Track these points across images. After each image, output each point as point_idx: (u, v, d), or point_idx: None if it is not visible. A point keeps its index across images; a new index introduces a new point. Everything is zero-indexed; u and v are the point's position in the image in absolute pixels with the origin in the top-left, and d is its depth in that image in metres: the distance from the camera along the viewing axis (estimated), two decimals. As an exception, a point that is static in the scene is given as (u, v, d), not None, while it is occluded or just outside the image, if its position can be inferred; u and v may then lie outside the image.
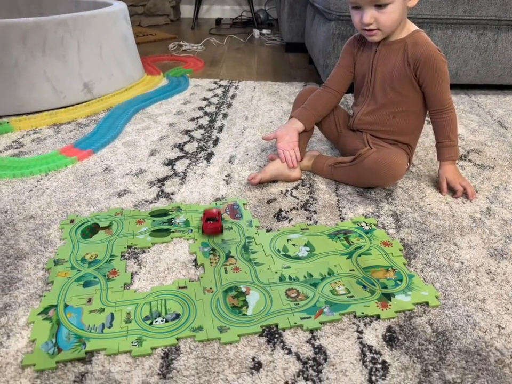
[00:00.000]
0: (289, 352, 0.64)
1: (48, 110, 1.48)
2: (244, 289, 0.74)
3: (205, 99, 1.64)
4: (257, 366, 0.62)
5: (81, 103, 1.55)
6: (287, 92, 1.72)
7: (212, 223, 0.87)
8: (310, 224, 0.92)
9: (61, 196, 1.01)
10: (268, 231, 0.90)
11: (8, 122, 1.36)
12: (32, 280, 0.76)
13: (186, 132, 1.36)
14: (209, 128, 1.39)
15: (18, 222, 0.92)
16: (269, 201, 1.00)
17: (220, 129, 1.38)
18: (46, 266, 0.79)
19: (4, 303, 0.72)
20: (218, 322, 0.68)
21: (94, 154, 1.21)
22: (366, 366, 0.62)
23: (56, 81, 1.49)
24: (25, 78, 1.43)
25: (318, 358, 0.63)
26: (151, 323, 0.68)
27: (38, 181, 1.08)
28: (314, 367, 0.61)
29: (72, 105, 1.53)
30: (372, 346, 0.65)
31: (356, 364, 0.62)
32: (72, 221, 0.92)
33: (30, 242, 0.86)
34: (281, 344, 0.65)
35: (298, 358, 0.63)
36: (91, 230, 0.90)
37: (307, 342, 0.66)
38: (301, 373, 0.61)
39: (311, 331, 0.67)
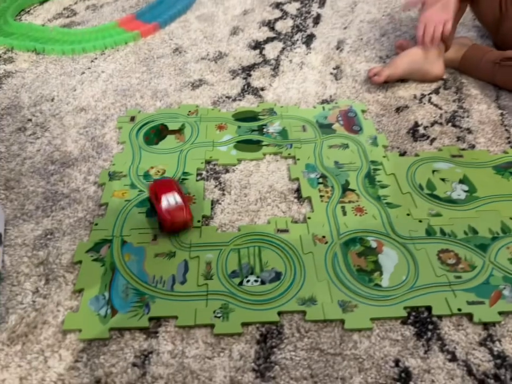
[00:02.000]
0: (453, 358, 0.41)
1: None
2: (373, 244, 0.50)
3: (299, -38, 1.25)
4: (405, 376, 0.40)
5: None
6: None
7: (172, 212, 0.50)
8: (464, 149, 0.63)
9: (119, 83, 0.78)
10: (401, 154, 0.63)
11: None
12: (81, 198, 0.57)
13: (277, 5, 1.03)
14: (307, 1, 1.05)
15: (66, 114, 0.71)
16: (398, 109, 0.71)
17: (322, 2, 1.04)
18: (99, 180, 0.59)
19: (44, 228, 0.53)
20: (338, 293, 0.46)
21: (160, 29, 0.94)
22: None
23: None
24: None
25: (501, 375, 0.40)
26: (241, 283, 0.47)
27: (92, 60, 0.84)
28: (498, 393, 0.39)
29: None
30: None
31: None
32: (132, 119, 0.70)
33: (79, 144, 0.65)
34: (439, 342, 0.42)
35: (469, 371, 0.40)
36: (157, 133, 0.67)
37: (480, 344, 0.42)
38: (476, 400, 0.38)
39: (485, 325, 0.43)
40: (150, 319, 0.44)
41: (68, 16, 1.00)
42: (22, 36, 0.90)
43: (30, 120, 0.70)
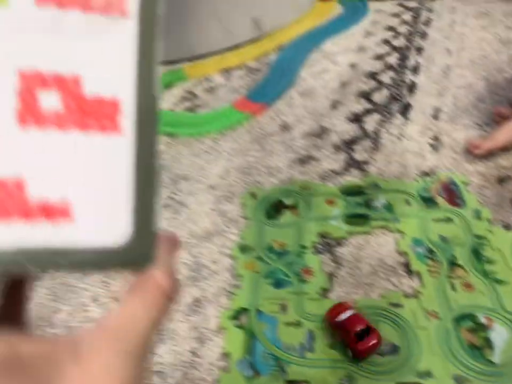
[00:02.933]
0: None
1: (216, 52, 1.38)
2: (483, 320, 0.55)
3: (390, 29, 1.34)
4: None
5: (249, 40, 1.41)
6: (501, 12, 1.31)
7: (366, 340, 0.53)
8: None
9: (238, 161, 0.91)
10: (505, 228, 0.67)
11: (181, 70, 1.30)
12: (219, 269, 0.69)
13: (372, 76, 1.12)
14: (400, 69, 1.12)
15: (199, 192, 0.85)
16: (500, 180, 0.75)
17: (415, 69, 1.11)
18: (232, 253, 0.71)
19: (193, 297, 0.65)
20: (453, 368, 0.51)
21: (268, 107, 1.07)
22: None
23: (224, 18, 1.36)
24: (195, 18, 1.33)
25: None
26: (362, 353, 0.54)
27: (214, 141, 0.99)
28: None
29: (240, 45, 1.40)
30: None
31: None
32: (253, 195, 0.81)
33: (212, 219, 0.78)
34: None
35: None
36: (275, 208, 0.78)
37: None
38: None
39: None
40: (287, 382, 0.53)
41: (190, 99, 1.18)
42: (156, 121, 1.09)
43: (172, 198, 0.85)
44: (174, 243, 0.23)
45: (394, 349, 0.54)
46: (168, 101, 1.18)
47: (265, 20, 1.43)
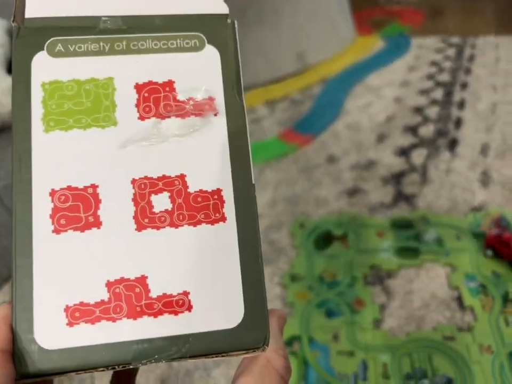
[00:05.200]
0: None
1: (260, 84, 1.45)
2: (540, 358, 0.55)
3: (434, 64, 1.37)
4: None
5: (293, 73, 1.47)
6: (547, 48, 1.32)
7: None
8: None
9: (286, 192, 0.95)
10: (560, 266, 0.66)
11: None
12: (269, 298, 0.71)
13: (417, 110, 1.15)
14: (446, 105, 1.14)
15: (248, 220, 0.89)
16: (553, 218, 0.75)
17: (461, 105, 1.12)
18: (282, 281, 0.73)
19: (246, 322, 0.68)
20: (510, 405, 0.51)
21: (314, 139, 1.11)
22: None
23: (269, 54, 1.43)
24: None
25: None
26: (416, 386, 0.55)
27: (260, 171, 1.03)
28: None
29: (284, 77, 1.45)
30: None
31: None
32: (302, 225, 0.84)
33: (263, 249, 0.81)
34: None
35: None
36: (325, 239, 0.80)
37: None
38: None
39: None
40: (342, 410, 0.54)
41: (237, 131, 1.23)
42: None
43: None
44: (283, 319, 0.24)
45: (449, 382, 0.54)
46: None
47: (309, 53, 1.49)
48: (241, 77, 0.26)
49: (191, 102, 0.24)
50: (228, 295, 0.23)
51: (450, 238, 0.74)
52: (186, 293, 0.22)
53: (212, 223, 0.23)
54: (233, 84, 0.25)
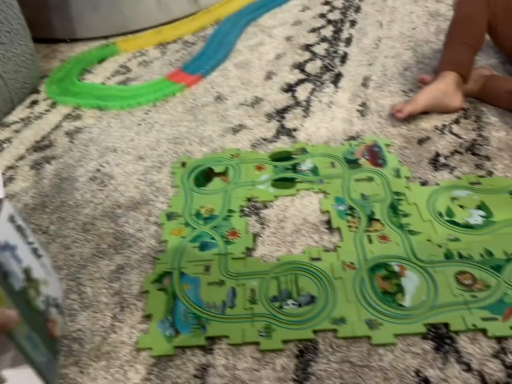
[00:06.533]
0: (469, 369, 0.47)
1: (152, 27, 1.35)
2: (396, 268, 0.57)
3: (326, 3, 1.35)
4: (424, 385, 0.46)
5: (187, 16, 1.38)
6: (431, -13, 1.35)
7: None
8: (483, 176, 0.69)
9: (170, 132, 0.90)
10: (422, 184, 0.69)
11: (114, 44, 1.26)
12: (144, 236, 0.68)
13: (307, 47, 1.13)
14: (334, 41, 1.14)
15: (128, 163, 0.83)
16: (420, 141, 0.78)
17: (348, 41, 1.13)
18: (158, 220, 0.70)
19: (116, 264, 0.64)
20: (365, 313, 0.53)
21: (203, 79, 1.06)
22: None
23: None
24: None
25: (511, 383, 0.45)
26: (281, 306, 0.55)
27: (146, 113, 0.97)
28: (509, 399, 0.44)
29: (177, 20, 1.37)
30: None
31: None
32: (183, 164, 0.80)
33: (140, 189, 0.77)
34: (456, 354, 0.48)
35: (483, 380, 0.46)
36: (205, 176, 0.77)
37: (494, 356, 0.48)
38: (488, 405, 0.44)
39: (499, 339, 0.49)
40: (207, 338, 0.53)
41: (123, 73, 1.14)
42: (86, 95, 1.05)
43: (98, 170, 0.82)
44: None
45: (312, 300, 0.55)
46: (99, 74, 1.14)
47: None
48: None
49: None
50: None
51: (325, 167, 0.75)
52: None
53: None
54: None
